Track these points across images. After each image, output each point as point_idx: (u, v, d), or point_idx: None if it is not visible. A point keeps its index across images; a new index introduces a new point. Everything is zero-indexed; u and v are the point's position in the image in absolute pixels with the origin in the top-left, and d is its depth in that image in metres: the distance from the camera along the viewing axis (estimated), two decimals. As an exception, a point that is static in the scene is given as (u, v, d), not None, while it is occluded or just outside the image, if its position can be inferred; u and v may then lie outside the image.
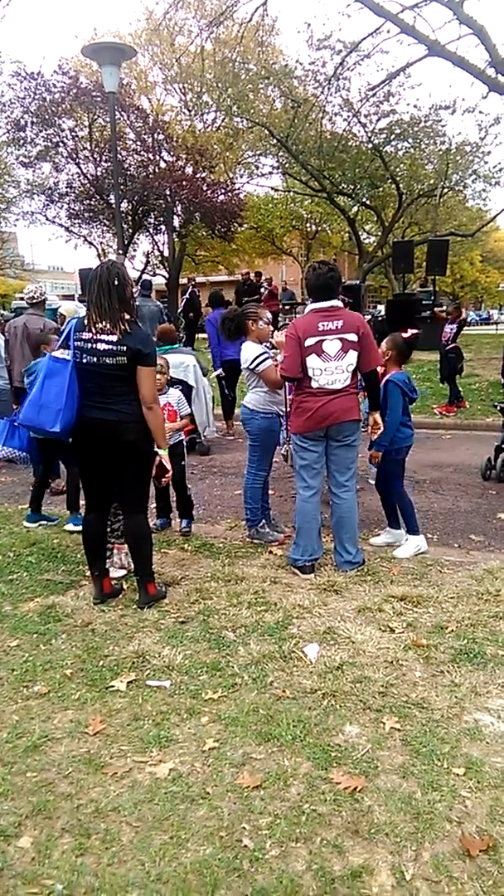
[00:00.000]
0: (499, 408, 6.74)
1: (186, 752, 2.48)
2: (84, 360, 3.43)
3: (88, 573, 3.91)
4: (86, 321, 3.44)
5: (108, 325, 3.39)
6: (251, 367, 4.46)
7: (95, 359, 3.41)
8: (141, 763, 2.42)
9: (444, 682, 2.88)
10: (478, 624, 3.38)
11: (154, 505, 4.88)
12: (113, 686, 2.91)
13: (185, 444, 4.97)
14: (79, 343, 3.43)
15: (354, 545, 4.19)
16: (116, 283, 3.42)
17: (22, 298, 6.95)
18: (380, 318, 16.33)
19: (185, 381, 6.46)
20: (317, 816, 2.14)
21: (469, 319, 25.08)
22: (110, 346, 3.39)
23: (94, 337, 3.39)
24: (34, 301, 6.53)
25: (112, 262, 3.57)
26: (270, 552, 4.52)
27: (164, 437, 3.74)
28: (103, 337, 3.39)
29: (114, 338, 3.39)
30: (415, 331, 4.71)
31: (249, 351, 4.50)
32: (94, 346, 3.40)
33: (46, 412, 3.43)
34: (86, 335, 3.42)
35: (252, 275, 18.47)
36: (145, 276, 18.96)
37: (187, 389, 6.33)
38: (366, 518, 5.13)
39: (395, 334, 4.54)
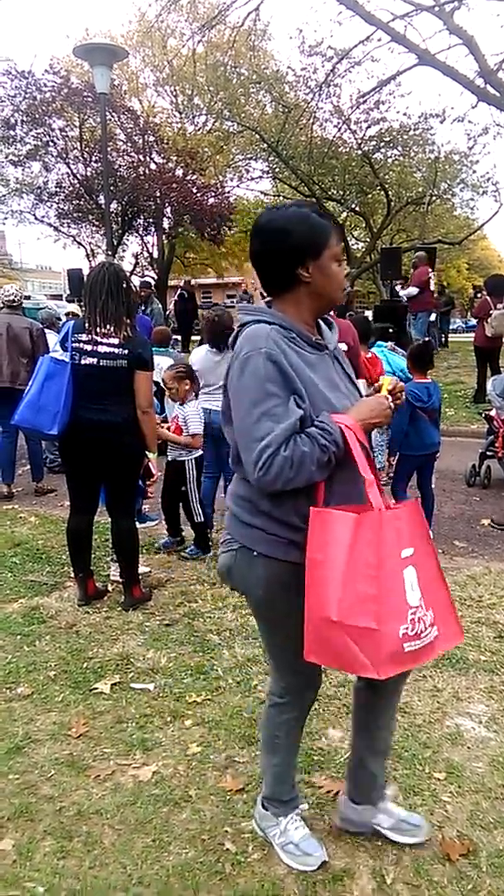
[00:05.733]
0: (483, 415, 6.80)
1: (170, 755, 2.48)
2: (83, 362, 3.41)
3: (73, 574, 3.90)
4: (86, 323, 3.43)
5: (112, 329, 3.38)
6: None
7: (95, 360, 3.39)
8: (124, 766, 2.42)
9: (427, 686, 2.91)
10: (460, 629, 3.41)
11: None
12: (97, 688, 2.90)
13: (191, 463, 4.45)
14: (77, 345, 3.41)
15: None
16: (125, 286, 3.43)
17: None
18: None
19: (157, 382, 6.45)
20: (299, 820, 2.15)
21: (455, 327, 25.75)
22: (112, 350, 3.38)
23: (95, 339, 3.38)
24: (14, 304, 6.18)
25: (119, 265, 3.57)
26: (256, 556, 4.52)
27: (155, 441, 3.74)
28: (105, 340, 3.38)
29: (115, 341, 3.38)
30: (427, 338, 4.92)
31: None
32: (94, 348, 3.38)
33: (45, 414, 3.42)
34: (84, 337, 3.40)
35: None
36: (134, 278, 18.96)
37: (159, 393, 6.29)
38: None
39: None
